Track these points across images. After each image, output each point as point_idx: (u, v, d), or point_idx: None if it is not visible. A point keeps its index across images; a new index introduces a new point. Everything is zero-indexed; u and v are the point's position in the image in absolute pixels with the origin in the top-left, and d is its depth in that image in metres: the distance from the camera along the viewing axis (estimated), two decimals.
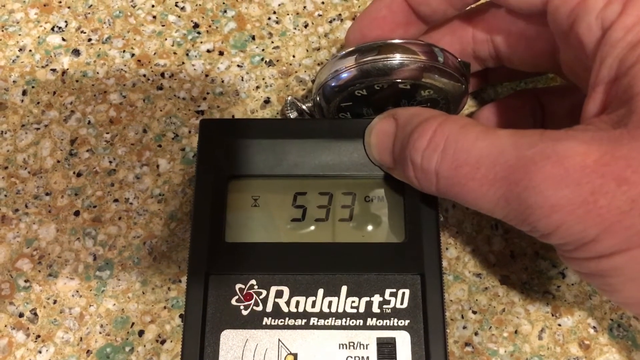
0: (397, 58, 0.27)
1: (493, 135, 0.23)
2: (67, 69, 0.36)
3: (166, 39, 0.37)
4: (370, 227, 0.28)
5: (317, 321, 0.26)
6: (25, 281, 0.32)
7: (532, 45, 0.28)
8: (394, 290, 0.26)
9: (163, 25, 0.38)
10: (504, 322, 0.31)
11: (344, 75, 0.28)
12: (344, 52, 0.28)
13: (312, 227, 0.28)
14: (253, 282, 0.27)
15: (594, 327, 0.31)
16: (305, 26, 0.38)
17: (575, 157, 0.21)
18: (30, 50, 0.37)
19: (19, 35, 0.37)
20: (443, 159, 0.24)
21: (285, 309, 0.26)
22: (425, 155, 0.24)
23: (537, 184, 0.21)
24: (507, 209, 0.22)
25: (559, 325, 0.31)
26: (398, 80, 0.28)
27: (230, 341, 0.26)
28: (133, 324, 0.31)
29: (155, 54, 0.37)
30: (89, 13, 0.38)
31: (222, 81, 0.36)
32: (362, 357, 0.26)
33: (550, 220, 0.21)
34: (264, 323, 0.26)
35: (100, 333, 0.31)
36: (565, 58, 0.26)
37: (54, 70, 0.36)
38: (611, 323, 0.31)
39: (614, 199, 0.20)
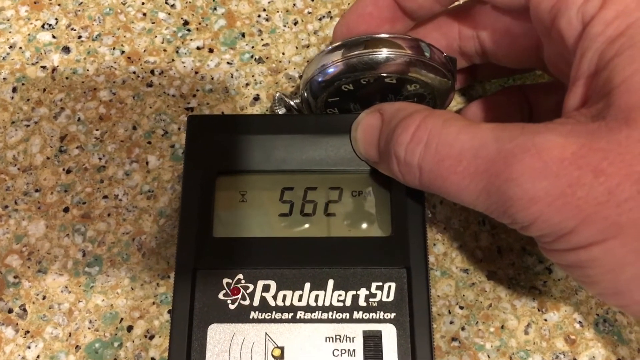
0: (383, 52, 0.28)
1: (475, 128, 0.23)
2: (57, 66, 0.36)
3: (156, 36, 0.37)
4: (357, 222, 0.28)
5: (304, 315, 0.26)
6: (15, 277, 0.32)
7: (517, 42, 0.29)
8: (380, 283, 0.27)
9: (153, 23, 0.38)
10: (490, 317, 0.31)
11: (331, 70, 0.28)
12: (330, 47, 0.28)
13: (299, 222, 0.28)
14: (240, 276, 0.27)
15: (580, 322, 0.31)
16: (295, 23, 0.38)
17: (553, 150, 0.21)
18: (20, 48, 0.37)
19: (9, 32, 0.37)
20: (426, 153, 0.24)
21: (272, 303, 0.27)
22: (408, 149, 0.24)
23: (516, 176, 0.21)
24: (488, 201, 0.23)
25: (545, 320, 0.31)
26: (384, 75, 0.28)
27: (218, 335, 0.26)
28: (122, 319, 0.31)
29: (145, 51, 0.37)
30: (79, 10, 0.38)
31: (212, 78, 0.36)
32: (349, 350, 0.26)
33: (529, 212, 0.21)
34: (251, 317, 0.26)
35: (89, 329, 0.31)
36: (549, 54, 0.27)
37: (44, 67, 0.36)
38: (597, 318, 0.31)
39: (591, 190, 0.20)
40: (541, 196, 0.21)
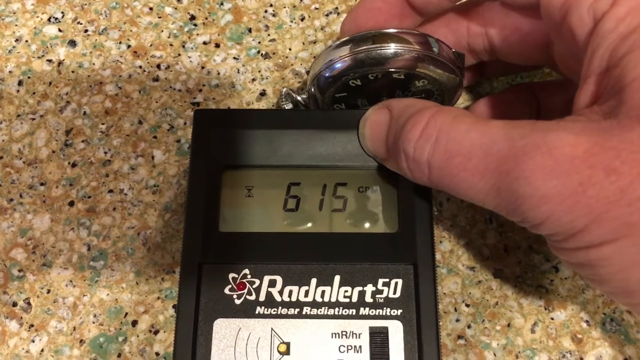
0: (391, 47, 0.27)
1: (485, 126, 0.23)
2: (63, 60, 0.36)
3: (162, 31, 0.37)
4: (363, 218, 0.28)
5: (310, 310, 0.26)
6: (19, 270, 0.32)
7: (526, 39, 0.28)
8: (387, 280, 0.27)
9: (159, 17, 0.38)
10: (497, 315, 0.31)
11: (338, 65, 0.28)
12: (338, 42, 0.28)
13: (306, 218, 0.28)
14: (246, 271, 0.27)
15: (587, 321, 0.31)
16: (302, 19, 0.38)
17: (565, 148, 0.21)
18: (26, 41, 0.37)
19: (16, 25, 0.37)
20: (435, 150, 0.24)
21: (278, 298, 0.27)
22: (417, 146, 0.24)
23: (527, 174, 0.21)
24: (498, 199, 0.22)
25: (552, 319, 0.31)
26: (392, 70, 0.28)
27: (223, 330, 0.26)
28: (126, 314, 0.31)
29: (151, 45, 0.37)
30: (86, 4, 0.38)
31: (218, 73, 0.36)
32: (355, 347, 0.26)
33: (540, 210, 0.21)
34: (257, 312, 0.26)
35: (93, 323, 0.31)
36: (559, 51, 0.27)
37: (50, 61, 0.36)
38: (604, 317, 0.31)
39: (602, 189, 0.20)
40: (552, 195, 0.21)
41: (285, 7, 0.38)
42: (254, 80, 0.36)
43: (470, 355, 0.30)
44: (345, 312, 0.26)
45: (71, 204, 0.33)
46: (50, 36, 0.37)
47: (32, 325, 0.31)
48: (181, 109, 0.35)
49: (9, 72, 0.36)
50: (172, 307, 0.31)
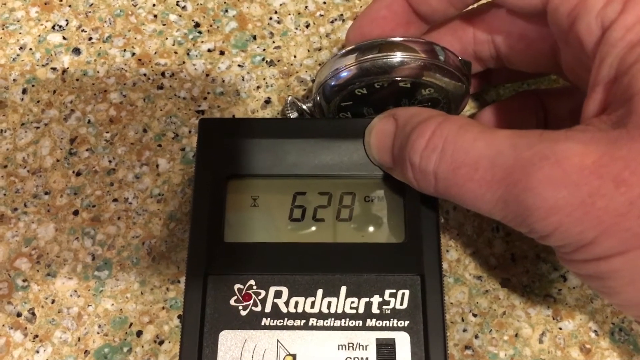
0: (397, 56, 0.27)
1: (492, 135, 0.23)
2: (68, 68, 0.36)
3: (167, 38, 0.37)
4: (370, 227, 0.28)
5: (316, 322, 0.26)
6: (24, 280, 0.32)
7: (533, 46, 0.28)
8: (394, 290, 0.26)
9: (164, 25, 0.37)
10: (504, 325, 0.31)
11: (344, 73, 0.28)
12: (344, 51, 0.28)
13: (312, 227, 0.28)
14: (252, 282, 0.27)
15: (595, 331, 0.31)
16: (307, 26, 0.38)
17: (573, 158, 0.20)
18: (30, 49, 0.37)
19: (20, 33, 0.37)
20: (441, 160, 0.23)
21: (284, 309, 0.26)
22: (423, 156, 0.24)
23: (535, 185, 0.21)
24: (506, 210, 0.22)
25: (560, 328, 0.31)
26: (398, 79, 0.28)
27: (229, 342, 0.26)
28: (131, 324, 0.31)
29: (155, 53, 0.37)
30: (90, 12, 0.38)
31: (223, 81, 0.36)
32: (362, 358, 0.26)
33: (548, 222, 0.21)
34: (262, 323, 0.26)
35: (98, 333, 0.31)
36: (566, 58, 0.26)
37: (54, 69, 0.36)
38: (612, 327, 0.31)
39: (611, 200, 0.20)
40: (561, 206, 0.20)
41: (290, 14, 0.38)
42: (258, 87, 0.36)
43: None
44: (352, 323, 0.26)
45: (75, 213, 0.33)
46: (54, 44, 0.37)
47: (36, 336, 0.31)
48: (186, 117, 0.35)
49: (13, 80, 0.36)
50: (177, 317, 0.31)
